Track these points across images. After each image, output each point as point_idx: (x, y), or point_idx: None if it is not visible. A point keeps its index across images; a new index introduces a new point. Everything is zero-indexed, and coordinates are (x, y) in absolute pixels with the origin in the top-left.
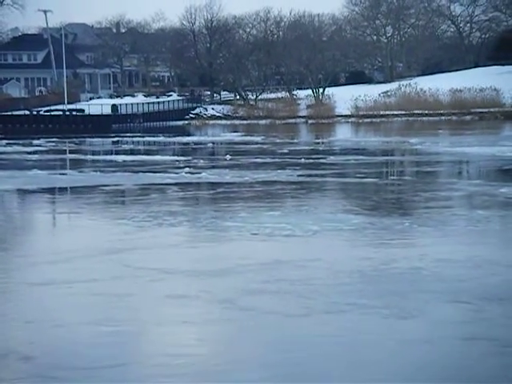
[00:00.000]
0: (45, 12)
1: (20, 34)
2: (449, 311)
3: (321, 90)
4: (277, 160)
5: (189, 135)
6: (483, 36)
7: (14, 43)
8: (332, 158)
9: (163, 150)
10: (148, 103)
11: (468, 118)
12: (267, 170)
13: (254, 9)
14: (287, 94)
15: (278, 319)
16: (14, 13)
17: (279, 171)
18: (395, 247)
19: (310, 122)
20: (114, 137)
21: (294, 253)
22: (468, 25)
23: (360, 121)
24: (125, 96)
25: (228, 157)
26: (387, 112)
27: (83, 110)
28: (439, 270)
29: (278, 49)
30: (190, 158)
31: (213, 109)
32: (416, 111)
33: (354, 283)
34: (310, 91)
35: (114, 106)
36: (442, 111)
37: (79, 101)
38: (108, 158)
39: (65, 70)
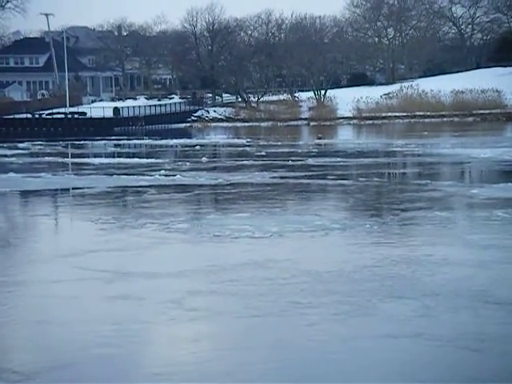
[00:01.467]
0: (46, 15)
1: (22, 37)
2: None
3: (322, 92)
4: (255, 162)
5: (181, 138)
6: (485, 37)
7: (15, 47)
8: (310, 160)
9: (145, 153)
10: (150, 106)
11: (470, 119)
12: (244, 171)
13: (255, 11)
14: (289, 96)
15: (220, 318)
16: (16, 16)
17: (256, 173)
18: (348, 248)
19: (311, 124)
20: (109, 140)
21: (244, 254)
22: (469, 26)
23: (362, 123)
24: (127, 99)
25: (204, 159)
26: (389, 114)
27: (85, 113)
28: (391, 269)
29: (280, 51)
30: (169, 160)
31: (215, 111)
32: (418, 113)
33: (299, 283)
34: (311, 93)
35: (115, 109)
36: (443, 113)
37: (81, 104)
38: (87, 160)
39: (67, 73)
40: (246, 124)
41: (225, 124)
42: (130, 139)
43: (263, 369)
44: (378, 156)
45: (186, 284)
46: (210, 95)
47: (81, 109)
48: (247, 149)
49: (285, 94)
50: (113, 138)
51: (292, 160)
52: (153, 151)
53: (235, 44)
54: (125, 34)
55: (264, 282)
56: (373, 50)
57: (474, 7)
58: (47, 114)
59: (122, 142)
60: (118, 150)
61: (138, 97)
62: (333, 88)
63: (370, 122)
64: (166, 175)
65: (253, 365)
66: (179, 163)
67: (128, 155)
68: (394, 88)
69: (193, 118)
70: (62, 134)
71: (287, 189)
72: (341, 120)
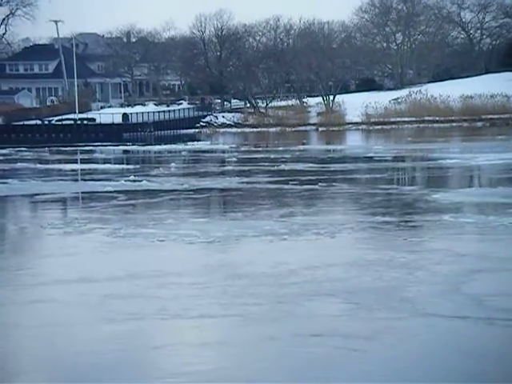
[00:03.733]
0: (56, 22)
1: (31, 44)
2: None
3: (331, 97)
4: (228, 168)
5: (166, 144)
6: (494, 42)
7: (25, 53)
8: (283, 165)
9: (123, 159)
10: (159, 112)
11: (479, 124)
12: (214, 177)
13: (263, 17)
14: (297, 101)
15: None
16: (26, 23)
17: (226, 178)
18: (286, 252)
19: (320, 129)
20: (94, 146)
21: (173, 259)
22: (478, 31)
23: (370, 128)
24: (135, 105)
25: (173, 165)
26: (398, 119)
27: (94, 119)
28: (328, 271)
29: (288, 56)
30: (142, 166)
31: (223, 117)
32: (426, 118)
33: (229, 285)
34: (320, 99)
35: (124, 115)
36: (452, 118)
37: (90, 110)
38: (58, 166)
39: (76, 79)
40: (255, 130)
41: (233, 130)
42: (115, 145)
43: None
44: (353, 162)
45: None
46: (219, 101)
47: (90, 115)
48: (224, 155)
49: (293, 100)
50: (120, 143)
51: (265, 166)
52: (131, 157)
53: (244, 50)
54: (134, 40)
55: (191, 285)
56: (381, 55)
57: (482, 12)
58: (57, 121)
59: (103, 148)
60: (96, 155)
61: (146, 103)
62: (341, 93)
63: (379, 127)
64: (133, 181)
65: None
66: (150, 169)
67: (105, 161)
68: (402, 93)
69: (201, 123)
70: (71, 141)
71: (251, 194)
72: (349, 125)
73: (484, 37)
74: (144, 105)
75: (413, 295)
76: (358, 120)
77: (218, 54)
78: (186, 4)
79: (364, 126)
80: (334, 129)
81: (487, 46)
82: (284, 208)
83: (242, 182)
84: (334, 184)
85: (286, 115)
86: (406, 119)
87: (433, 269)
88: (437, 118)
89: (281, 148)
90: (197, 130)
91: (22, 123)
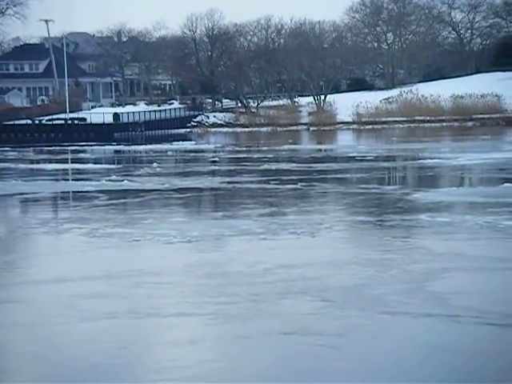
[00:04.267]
0: (46, 22)
1: (21, 43)
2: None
3: (322, 97)
4: (211, 167)
5: (152, 143)
6: (484, 42)
7: (15, 53)
8: (266, 165)
9: (106, 159)
10: (150, 111)
11: (470, 124)
12: (196, 177)
13: (254, 17)
14: (289, 101)
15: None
16: (16, 23)
17: (210, 178)
18: (262, 251)
19: (311, 129)
20: (83, 146)
21: (144, 259)
22: (469, 31)
23: (361, 127)
24: (126, 104)
25: (155, 164)
26: (389, 119)
27: (85, 119)
28: (297, 270)
29: (279, 56)
30: (125, 165)
31: (214, 116)
32: (417, 117)
33: (201, 284)
34: (311, 98)
35: (115, 115)
36: (443, 117)
37: (81, 110)
38: (40, 166)
39: (66, 79)
40: (246, 129)
41: (224, 129)
42: (101, 145)
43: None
44: (336, 161)
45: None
46: (210, 100)
47: (81, 115)
48: (209, 154)
49: (284, 99)
50: (113, 143)
51: (248, 165)
52: (116, 157)
53: (235, 49)
54: (124, 39)
55: (164, 284)
56: (372, 55)
57: (473, 12)
58: (47, 120)
59: (90, 148)
60: (81, 155)
61: (137, 102)
62: (332, 93)
63: (370, 126)
64: (113, 180)
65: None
66: (136, 168)
67: (89, 161)
68: (393, 93)
69: (193, 123)
70: (62, 140)
71: (232, 194)
72: (340, 125)
73: (474, 37)
74: (135, 104)
75: (384, 293)
76: (349, 120)
77: (209, 53)
78: (177, 3)
79: (355, 126)
80: (325, 128)
81: (478, 45)
82: (263, 208)
83: (224, 182)
84: (314, 184)
85: (277, 115)
86: (397, 119)
87: (407, 268)
88: (427, 118)
89: (265, 148)
90: (188, 130)
91: (12, 123)
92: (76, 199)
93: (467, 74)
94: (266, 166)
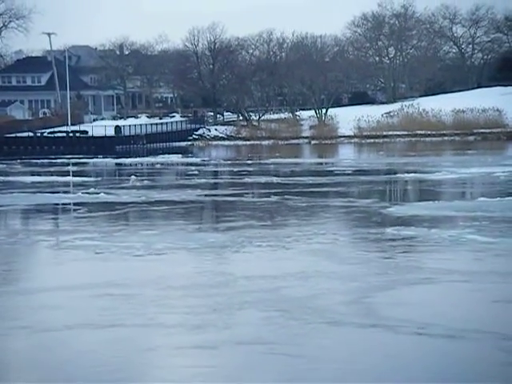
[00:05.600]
0: (49, 35)
1: (24, 56)
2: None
3: (323, 110)
4: (191, 181)
5: (141, 157)
6: (485, 57)
7: (18, 66)
8: (247, 179)
9: (90, 172)
10: (151, 124)
11: (471, 138)
12: (175, 190)
13: (256, 30)
14: (290, 114)
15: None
16: (18, 36)
17: (189, 191)
18: (225, 264)
19: (312, 142)
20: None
21: (108, 271)
22: (470, 46)
23: (363, 141)
24: (128, 117)
25: (133, 177)
26: (390, 132)
27: (87, 132)
28: (253, 282)
29: (281, 70)
30: (108, 178)
31: (216, 130)
32: (419, 132)
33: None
34: (312, 112)
35: (117, 128)
36: (444, 132)
37: (82, 122)
38: (19, 179)
39: (68, 91)
40: (248, 142)
41: (226, 142)
42: (91, 157)
43: None
44: (317, 175)
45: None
46: (212, 114)
47: (82, 127)
48: (193, 168)
49: (286, 113)
50: (113, 155)
51: (228, 179)
52: (101, 169)
53: (236, 63)
54: (126, 52)
55: (119, 296)
56: (374, 69)
57: (474, 27)
58: (49, 133)
59: (79, 161)
60: (67, 168)
61: (139, 115)
62: (334, 107)
63: (371, 140)
64: (90, 193)
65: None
66: (118, 181)
67: (72, 173)
68: (394, 107)
69: (194, 136)
70: (63, 153)
71: (206, 207)
72: (342, 139)
73: (476, 51)
74: (137, 117)
75: (335, 305)
76: (351, 133)
77: (211, 66)
78: (179, 17)
79: (356, 140)
80: (326, 142)
81: (479, 60)
82: (235, 221)
83: (201, 195)
84: (291, 197)
85: (278, 128)
86: (398, 133)
87: (367, 279)
88: (429, 132)
89: (250, 161)
90: (189, 143)
91: (14, 135)
92: (49, 212)
93: (468, 89)
94: (246, 180)
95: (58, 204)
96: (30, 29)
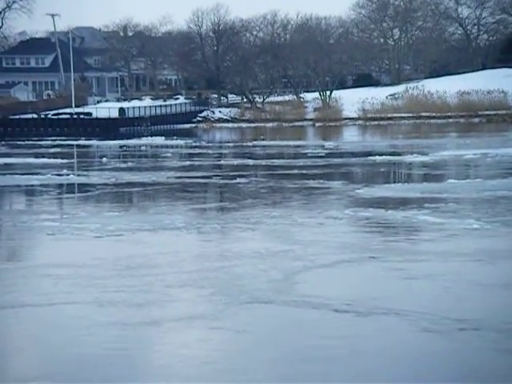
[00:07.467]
0: (52, 16)
1: (28, 37)
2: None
3: (328, 92)
4: (168, 163)
5: (128, 138)
6: (491, 38)
7: (21, 47)
8: (223, 161)
9: (69, 154)
10: (155, 106)
11: (476, 120)
12: (148, 172)
13: (260, 12)
14: (294, 96)
15: None
16: (22, 17)
17: (162, 173)
18: (172, 244)
19: (317, 124)
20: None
21: (55, 251)
22: (475, 27)
23: (367, 123)
24: (132, 99)
25: (104, 159)
26: (394, 115)
27: (91, 114)
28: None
29: (285, 52)
30: (84, 159)
31: (220, 112)
32: (423, 114)
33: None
34: (317, 94)
35: (121, 110)
36: (449, 113)
37: (87, 104)
38: None
39: (72, 73)
40: (252, 125)
41: (230, 125)
42: (74, 139)
43: None
44: (295, 157)
45: None
46: (216, 96)
47: (86, 109)
48: (173, 150)
49: (290, 95)
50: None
51: (204, 161)
52: (82, 151)
53: (240, 45)
54: (130, 34)
55: (52, 276)
56: (378, 51)
57: (479, 8)
58: (53, 115)
59: (62, 143)
60: (46, 150)
61: (143, 97)
62: (338, 89)
63: (376, 122)
64: (61, 175)
65: None
66: (87, 163)
67: (49, 155)
68: (399, 89)
69: (198, 118)
70: (68, 134)
71: (174, 188)
72: (346, 121)
73: (481, 33)
74: (141, 99)
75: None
76: (355, 115)
77: (215, 48)
78: None
79: (361, 122)
80: (330, 124)
81: (484, 42)
82: (199, 203)
83: (172, 177)
84: (261, 179)
85: (282, 110)
86: (403, 115)
87: (308, 259)
88: (433, 114)
89: (232, 144)
90: (193, 125)
91: (18, 117)
92: (15, 193)
93: (473, 71)
94: (222, 162)
95: (25, 185)
96: (34, 10)
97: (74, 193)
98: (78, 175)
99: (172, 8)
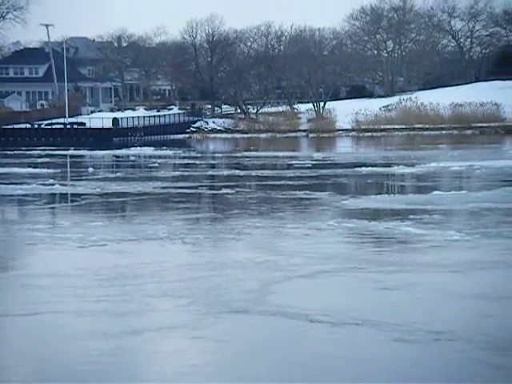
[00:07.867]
0: (46, 26)
1: (22, 47)
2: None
3: (321, 103)
4: (156, 173)
5: (118, 149)
6: (484, 51)
7: (15, 57)
8: (210, 171)
9: (56, 164)
10: (149, 117)
11: (469, 132)
12: (134, 182)
13: (255, 23)
14: (288, 107)
15: None
16: (16, 27)
17: (149, 183)
18: (154, 255)
19: (310, 135)
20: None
21: (34, 261)
22: (468, 40)
23: (360, 135)
24: (126, 109)
25: (91, 169)
26: (388, 126)
27: (84, 124)
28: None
29: (279, 63)
30: (71, 170)
31: (214, 122)
32: (417, 125)
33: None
34: (310, 105)
35: (114, 120)
36: (442, 125)
37: (80, 114)
38: None
39: (66, 83)
40: (245, 135)
41: (224, 135)
42: (62, 149)
43: None
44: (282, 168)
45: None
46: (209, 106)
47: (80, 119)
48: (162, 160)
49: (284, 106)
50: (111, 148)
51: (191, 171)
52: (71, 161)
53: (234, 55)
54: (124, 44)
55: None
56: (372, 63)
57: (472, 21)
58: (46, 125)
59: (51, 153)
60: (40, 160)
61: (137, 107)
62: (332, 100)
63: (369, 134)
64: (46, 184)
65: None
66: (81, 173)
67: (36, 165)
68: (392, 100)
69: (192, 128)
70: (60, 144)
71: (159, 199)
72: (339, 132)
73: (474, 45)
74: (134, 109)
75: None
76: (349, 127)
77: (209, 59)
78: (177, 9)
79: (354, 133)
80: (324, 135)
81: (477, 54)
82: (183, 213)
83: (158, 187)
84: (246, 190)
85: (276, 121)
86: (397, 126)
87: (289, 269)
88: (427, 126)
89: (222, 154)
90: (187, 136)
91: (11, 127)
92: None
93: (467, 83)
94: (210, 172)
95: (10, 195)
96: (28, 20)
97: (58, 203)
98: (64, 185)
99: (166, 19)
